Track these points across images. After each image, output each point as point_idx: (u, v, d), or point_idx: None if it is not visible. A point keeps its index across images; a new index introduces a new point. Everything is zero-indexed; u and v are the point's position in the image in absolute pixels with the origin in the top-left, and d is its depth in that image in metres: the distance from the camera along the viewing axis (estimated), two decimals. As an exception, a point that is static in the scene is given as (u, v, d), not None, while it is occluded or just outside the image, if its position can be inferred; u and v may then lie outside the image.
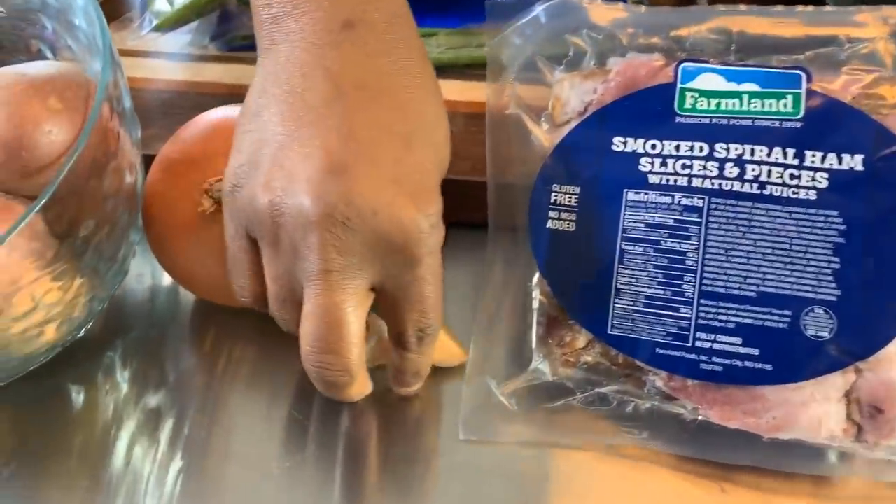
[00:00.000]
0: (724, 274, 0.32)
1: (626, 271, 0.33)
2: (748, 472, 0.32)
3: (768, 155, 0.32)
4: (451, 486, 0.33)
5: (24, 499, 0.33)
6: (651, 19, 0.35)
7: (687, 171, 0.33)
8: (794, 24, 0.34)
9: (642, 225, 0.33)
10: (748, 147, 0.33)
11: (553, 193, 0.34)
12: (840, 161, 0.32)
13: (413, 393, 0.35)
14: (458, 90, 0.45)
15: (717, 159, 0.33)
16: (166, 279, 0.41)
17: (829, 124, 0.32)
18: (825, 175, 0.32)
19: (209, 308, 0.39)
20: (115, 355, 0.38)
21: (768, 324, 0.31)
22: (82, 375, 0.37)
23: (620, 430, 0.33)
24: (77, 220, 0.31)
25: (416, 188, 0.29)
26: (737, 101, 0.33)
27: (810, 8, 0.34)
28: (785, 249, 0.32)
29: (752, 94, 0.33)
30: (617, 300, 0.33)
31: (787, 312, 0.31)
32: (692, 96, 0.34)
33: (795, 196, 0.32)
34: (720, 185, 0.33)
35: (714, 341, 0.32)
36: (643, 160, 0.34)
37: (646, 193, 0.33)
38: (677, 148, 0.33)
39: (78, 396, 0.36)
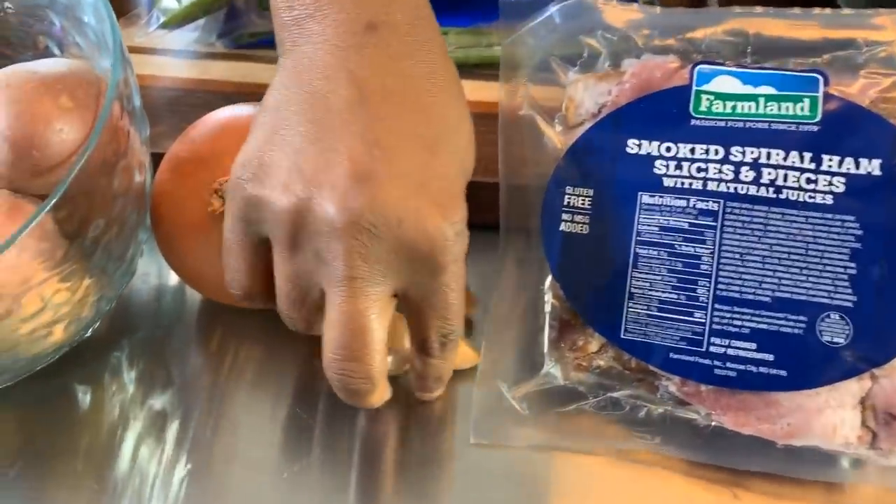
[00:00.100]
0: (739, 278, 0.32)
1: (640, 275, 0.33)
2: (760, 478, 0.32)
3: (784, 159, 0.32)
4: (462, 490, 0.32)
5: (29, 499, 0.33)
6: (666, 21, 0.35)
7: (702, 174, 0.33)
8: (812, 26, 0.33)
9: (657, 228, 0.33)
10: (764, 151, 0.32)
11: (566, 195, 0.34)
12: (857, 165, 0.31)
13: (434, 398, 0.34)
14: (467, 90, 0.44)
15: (732, 163, 0.33)
16: (172, 279, 0.41)
17: (846, 128, 0.32)
18: (842, 179, 0.31)
19: (215, 308, 0.39)
20: (121, 355, 0.38)
21: (783, 329, 0.31)
22: (88, 375, 0.37)
23: (632, 435, 0.33)
24: (87, 219, 0.30)
25: (441, 195, 0.29)
26: (753, 104, 0.33)
27: (828, 10, 0.34)
28: (801, 254, 0.31)
29: (769, 98, 0.33)
30: (630, 304, 0.33)
31: (802, 318, 0.31)
32: (708, 99, 0.33)
33: (812, 200, 0.32)
34: (736, 188, 0.32)
35: (728, 346, 0.32)
36: (658, 163, 0.33)
37: (660, 197, 0.33)
38: (692, 151, 0.33)
39: (84, 396, 0.36)
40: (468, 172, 0.31)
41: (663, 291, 0.32)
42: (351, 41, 0.29)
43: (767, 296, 0.32)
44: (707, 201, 0.33)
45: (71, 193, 0.28)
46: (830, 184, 0.32)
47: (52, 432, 0.35)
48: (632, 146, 0.34)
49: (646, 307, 0.33)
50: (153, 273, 0.41)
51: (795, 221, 0.32)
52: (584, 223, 0.34)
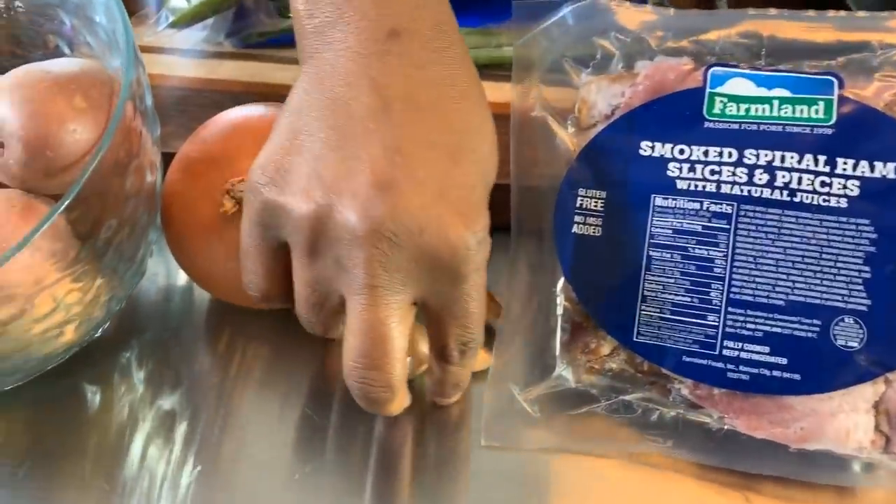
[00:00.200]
0: (753, 282, 0.32)
1: (653, 278, 0.33)
2: (772, 482, 0.32)
3: (799, 162, 0.32)
4: (473, 492, 0.32)
5: (38, 499, 0.33)
6: (680, 23, 0.35)
7: (716, 176, 0.33)
8: (826, 28, 0.33)
9: (670, 231, 0.33)
10: (778, 153, 0.32)
11: (579, 197, 0.34)
12: (872, 169, 0.31)
13: (451, 403, 0.34)
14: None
15: (746, 165, 0.32)
16: (181, 279, 0.41)
17: (861, 131, 0.32)
18: (857, 183, 0.31)
19: (224, 308, 0.39)
20: (130, 355, 0.38)
21: (797, 333, 0.31)
22: (98, 375, 0.37)
23: (644, 438, 0.33)
24: (100, 220, 0.30)
25: (463, 204, 0.29)
26: (767, 106, 0.33)
27: (842, 13, 0.33)
28: (815, 258, 0.31)
29: (783, 100, 0.33)
30: (643, 307, 0.33)
31: (816, 322, 0.31)
32: (721, 101, 0.33)
33: (826, 204, 0.31)
34: (749, 191, 0.32)
35: (741, 350, 0.32)
36: (671, 165, 0.33)
37: (674, 199, 0.33)
38: (706, 153, 0.33)
39: (93, 396, 0.36)
40: (490, 180, 0.31)
41: (676, 294, 0.32)
42: (373, 48, 0.29)
43: (781, 299, 0.31)
44: (721, 204, 0.32)
45: (84, 194, 0.28)
46: (845, 187, 0.31)
47: (62, 432, 0.35)
48: (645, 148, 0.34)
49: (659, 310, 0.33)
50: (161, 273, 0.41)
51: (809, 224, 0.31)
52: (596, 225, 0.34)
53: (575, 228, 0.34)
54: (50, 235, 0.29)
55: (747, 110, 0.33)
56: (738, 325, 0.32)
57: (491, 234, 0.30)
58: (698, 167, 0.33)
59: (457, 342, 0.31)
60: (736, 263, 0.32)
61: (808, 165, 0.32)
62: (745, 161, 0.33)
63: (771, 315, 0.31)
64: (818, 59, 0.33)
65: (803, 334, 0.31)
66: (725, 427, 0.32)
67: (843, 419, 0.31)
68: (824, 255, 0.31)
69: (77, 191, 0.27)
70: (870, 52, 0.33)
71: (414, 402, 0.34)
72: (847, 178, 0.31)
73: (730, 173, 0.33)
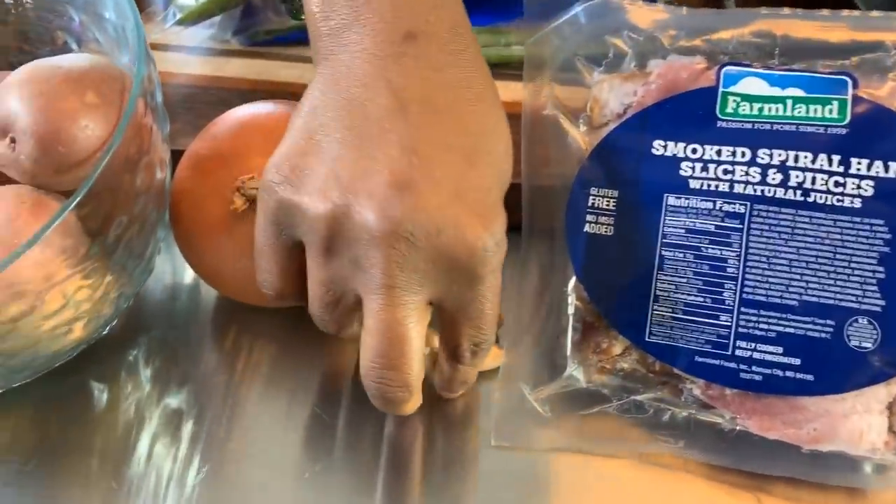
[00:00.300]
0: (766, 282, 0.32)
1: (666, 277, 0.33)
2: (783, 483, 0.32)
3: (812, 162, 0.32)
4: (483, 492, 0.32)
5: (44, 497, 0.33)
6: (693, 21, 0.35)
7: (729, 176, 0.33)
8: (840, 28, 0.33)
9: (682, 231, 0.33)
10: (792, 153, 0.32)
11: (591, 196, 0.34)
12: (886, 169, 0.31)
13: (457, 396, 0.34)
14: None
15: (759, 165, 0.32)
16: (187, 277, 0.40)
17: (875, 131, 0.32)
18: (871, 183, 0.31)
19: (230, 306, 0.38)
20: (136, 353, 0.37)
21: (811, 333, 0.31)
22: (104, 373, 0.37)
23: (656, 439, 0.33)
24: (110, 216, 0.30)
25: (480, 205, 0.29)
26: (780, 106, 0.33)
27: (856, 12, 0.33)
28: (829, 258, 0.31)
29: (797, 100, 0.33)
30: (655, 307, 0.33)
31: (830, 322, 0.31)
32: (734, 100, 0.33)
33: (840, 204, 0.31)
34: (763, 191, 0.32)
35: (754, 350, 0.32)
36: (684, 164, 0.33)
37: (686, 198, 0.33)
38: (719, 153, 0.33)
39: (100, 394, 0.36)
40: (506, 182, 0.31)
41: (689, 294, 0.32)
42: (389, 50, 0.29)
43: (794, 299, 0.31)
44: (734, 203, 0.32)
45: (95, 190, 0.28)
46: (859, 187, 0.31)
47: (69, 430, 0.35)
48: (657, 147, 0.34)
49: (671, 310, 0.32)
50: (168, 271, 0.41)
51: (823, 225, 0.31)
52: (608, 224, 0.34)
53: (587, 228, 0.34)
54: (61, 232, 0.29)
55: (760, 110, 0.33)
56: (751, 325, 0.32)
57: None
58: (711, 166, 0.33)
59: (469, 342, 0.31)
60: (749, 263, 0.32)
61: (821, 165, 0.32)
62: (759, 161, 0.32)
63: (784, 315, 0.31)
64: (832, 59, 0.33)
65: (817, 335, 0.31)
66: (737, 428, 0.32)
67: (856, 420, 0.30)
68: (838, 256, 0.31)
69: (89, 187, 0.27)
70: (884, 52, 0.33)
71: (426, 400, 0.34)
72: (861, 178, 0.31)
73: (743, 173, 0.32)
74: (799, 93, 0.33)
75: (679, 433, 0.33)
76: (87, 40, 0.37)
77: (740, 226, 0.32)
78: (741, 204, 0.32)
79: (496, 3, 0.46)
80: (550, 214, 0.35)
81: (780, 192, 0.32)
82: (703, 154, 0.33)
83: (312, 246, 0.29)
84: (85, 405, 0.35)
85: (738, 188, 0.32)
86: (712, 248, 0.32)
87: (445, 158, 0.29)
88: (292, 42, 0.48)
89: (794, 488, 0.32)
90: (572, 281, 0.34)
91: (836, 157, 0.32)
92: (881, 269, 0.31)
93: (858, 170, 0.31)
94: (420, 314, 0.29)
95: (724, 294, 0.32)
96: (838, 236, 0.31)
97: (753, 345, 0.32)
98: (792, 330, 0.31)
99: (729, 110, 0.33)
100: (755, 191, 0.32)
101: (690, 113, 0.33)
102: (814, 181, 0.32)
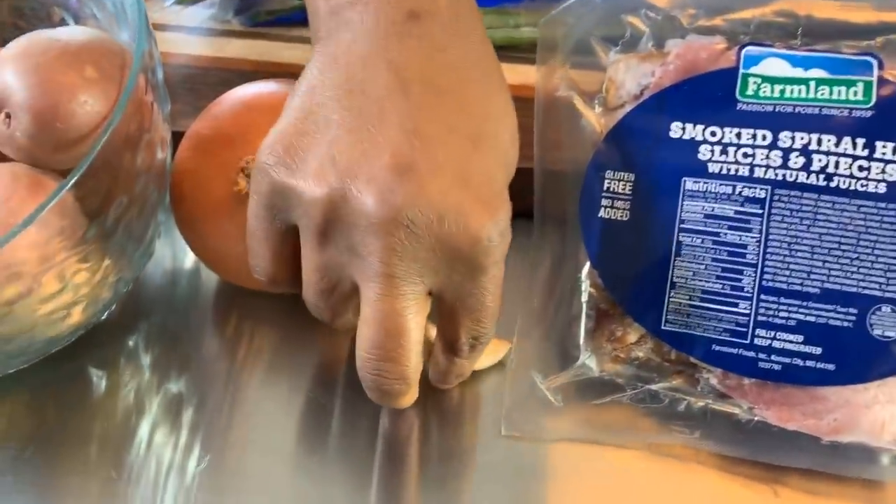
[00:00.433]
0: (787, 269, 0.31)
1: (683, 264, 0.32)
2: (799, 474, 0.31)
3: (836, 145, 0.31)
4: (487, 482, 0.32)
5: (42, 485, 0.32)
6: (713, 0, 0.34)
7: (749, 160, 0.32)
8: (865, 8, 0.32)
9: (701, 216, 0.32)
10: (815, 136, 0.31)
11: (606, 180, 0.33)
12: (913, 153, 0.31)
13: (451, 388, 0.34)
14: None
15: (781, 149, 0.32)
16: (188, 262, 0.40)
17: (901, 114, 0.31)
18: (896, 167, 0.31)
19: (231, 292, 0.38)
20: (135, 339, 0.37)
21: (832, 322, 0.30)
22: (103, 360, 0.36)
23: (670, 429, 0.32)
24: (109, 197, 0.29)
25: (485, 191, 0.28)
26: (803, 87, 0.32)
27: (882, -8, 0.33)
28: (852, 244, 0.30)
29: (820, 81, 0.32)
30: (672, 294, 0.32)
31: (852, 310, 0.30)
32: (755, 82, 0.32)
33: (864, 189, 0.31)
34: (784, 175, 0.31)
35: (774, 339, 0.31)
36: (702, 148, 0.32)
37: (705, 183, 0.32)
38: (739, 136, 0.32)
39: (98, 381, 0.35)
40: (512, 169, 0.30)
41: (707, 281, 0.32)
42: (391, 30, 0.28)
43: (816, 287, 0.31)
44: (754, 188, 0.32)
45: (94, 168, 0.27)
46: (884, 171, 0.31)
47: (66, 417, 0.34)
48: (675, 130, 0.33)
49: (688, 297, 0.32)
50: (168, 256, 0.40)
51: (846, 210, 0.31)
52: (624, 209, 0.33)
53: (602, 212, 0.33)
54: (58, 212, 0.28)
55: (782, 91, 0.32)
56: (771, 313, 0.31)
57: (511, 221, 0.29)
58: (731, 150, 0.32)
59: (468, 336, 0.30)
60: (769, 250, 0.31)
61: (845, 149, 0.31)
62: (780, 144, 0.32)
63: (805, 303, 0.31)
64: (856, 40, 0.32)
65: (839, 323, 0.30)
66: (755, 418, 0.31)
67: (878, 411, 0.30)
68: (861, 242, 0.30)
69: (88, 164, 0.26)
70: (910, 33, 0.32)
71: (430, 390, 0.33)
72: (886, 162, 0.31)
73: (764, 157, 0.32)
74: (822, 74, 0.32)
75: (695, 424, 0.32)
76: (84, 17, 0.36)
77: (760, 211, 0.31)
78: (762, 188, 0.31)
79: (504, -17, 0.45)
80: (563, 200, 0.34)
81: (802, 177, 0.31)
82: (723, 137, 0.32)
83: (307, 231, 0.28)
84: (83, 392, 0.35)
85: (759, 172, 0.32)
86: (731, 234, 0.32)
87: (448, 141, 0.28)
88: (295, 23, 0.47)
89: (810, 480, 0.31)
90: (586, 267, 0.33)
91: (860, 141, 0.31)
92: (906, 256, 0.30)
93: (883, 154, 0.31)
94: (419, 305, 0.28)
95: (743, 281, 0.31)
96: (862, 222, 0.30)
97: (773, 333, 0.31)
98: (813, 318, 0.31)
99: (749, 92, 0.32)
100: (776, 175, 0.31)
101: (710, 94, 0.33)
102: (837, 165, 0.31)
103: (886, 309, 0.30)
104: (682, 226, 0.32)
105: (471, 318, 0.29)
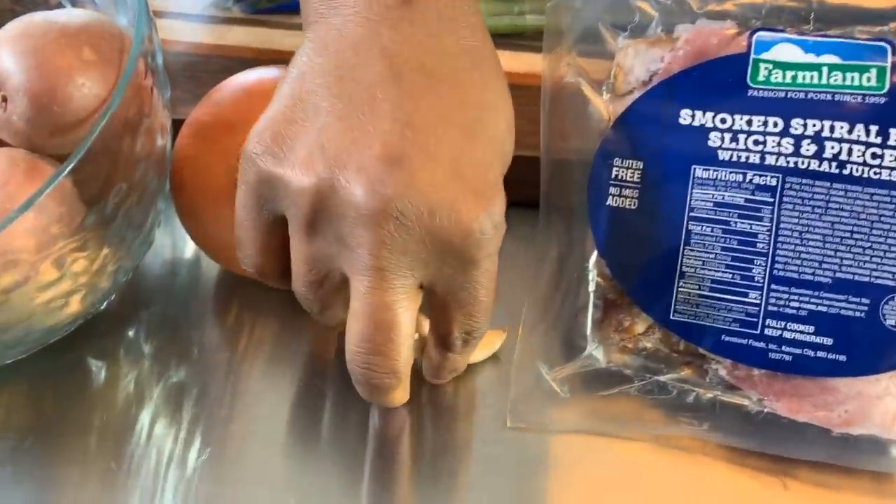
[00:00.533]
0: (798, 258, 0.30)
1: (692, 253, 0.31)
2: (807, 467, 0.31)
3: (849, 132, 0.31)
4: (492, 473, 0.31)
5: (41, 476, 0.32)
6: (724, -16, 0.33)
7: (760, 147, 0.31)
8: (878, -7, 0.32)
9: (711, 204, 0.31)
10: (827, 123, 0.31)
11: (614, 168, 0.33)
12: (927, 140, 0.30)
13: (444, 383, 0.33)
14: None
15: (792, 136, 0.31)
16: (188, 252, 0.39)
17: (916, 101, 0.30)
18: (910, 155, 0.30)
19: (232, 281, 0.37)
20: (135, 330, 0.36)
21: (844, 312, 0.30)
22: (102, 350, 0.36)
23: (678, 421, 0.32)
24: (108, 183, 0.29)
25: (479, 183, 0.27)
26: (815, 73, 0.31)
27: (895, -23, 0.32)
28: (864, 233, 0.30)
29: (833, 67, 0.31)
30: (681, 283, 0.31)
31: (865, 300, 0.30)
32: (766, 68, 0.32)
33: (877, 177, 0.30)
34: (796, 163, 0.31)
35: (784, 329, 0.30)
36: (712, 135, 0.32)
37: (715, 170, 0.31)
38: (749, 123, 0.32)
39: (98, 371, 0.35)
40: (507, 162, 0.29)
41: (716, 270, 0.31)
42: (385, 14, 0.27)
43: (828, 276, 0.30)
44: (765, 176, 0.31)
45: (93, 153, 0.27)
46: (897, 159, 0.30)
47: (65, 408, 0.34)
48: (685, 117, 0.32)
49: (697, 287, 0.31)
50: (168, 245, 0.40)
51: (859, 198, 0.30)
52: (632, 197, 0.32)
53: (609, 201, 0.33)
54: (56, 198, 0.27)
55: (794, 77, 0.32)
56: (782, 303, 0.30)
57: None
58: (741, 137, 0.31)
59: (460, 330, 0.29)
60: (780, 238, 0.31)
61: (858, 136, 0.30)
62: (792, 131, 0.31)
63: (816, 293, 0.30)
64: (870, 25, 0.32)
65: (850, 314, 0.30)
66: (765, 410, 0.31)
67: (889, 402, 0.29)
68: (874, 231, 0.30)
69: (87, 148, 0.26)
70: (924, 18, 0.31)
71: (429, 382, 0.33)
72: (900, 149, 0.30)
73: (775, 144, 0.31)
74: (835, 60, 0.31)
75: (703, 415, 0.31)
76: (82, 2, 0.36)
77: (771, 199, 0.31)
78: (773, 176, 0.31)
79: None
80: (570, 189, 0.34)
81: (814, 164, 0.31)
82: (733, 124, 0.32)
83: (295, 221, 0.28)
84: (82, 383, 0.34)
85: (770, 160, 0.31)
86: (742, 223, 0.31)
87: (441, 131, 0.27)
88: (295, 10, 0.47)
89: (820, 473, 0.31)
90: (593, 257, 0.33)
91: (873, 128, 0.30)
92: (920, 245, 0.30)
93: (897, 141, 0.30)
94: (410, 298, 0.28)
95: (754, 270, 0.31)
96: (875, 211, 0.30)
97: (783, 323, 0.30)
98: (824, 308, 0.30)
99: (760, 78, 0.32)
100: (788, 162, 0.31)
101: (720, 81, 0.32)
102: (850, 153, 0.30)
103: (900, 299, 0.30)
104: (691, 214, 0.32)
105: (463, 312, 0.29)
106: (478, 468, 0.32)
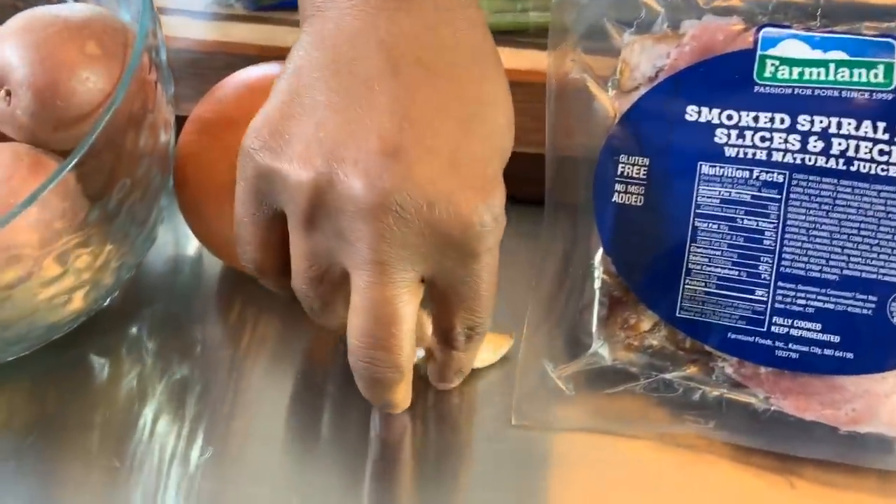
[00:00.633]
0: (805, 255, 0.30)
1: (699, 250, 0.31)
2: (813, 465, 0.31)
3: (856, 129, 0.30)
4: (495, 471, 0.31)
5: (43, 473, 0.32)
6: (730, -20, 0.33)
7: (766, 144, 0.31)
8: (886, -11, 0.32)
9: (717, 200, 0.31)
10: (834, 120, 0.31)
11: (620, 165, 0.33)
12: (934, 137, 0.30)
13: (451, 388, 0.33)
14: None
15: (799, 132, 0.31)
16: (190, 249, 0.39)
17: (923, 97, 0.30)
18: (918, 152, 0.30)
19: (235, 279, 0.37)
20: (138, 327, 0.36)
21: (851, 309, 0.30)
22: (105, 347, 0.35)
23: (683, 419, 0.32)
24: (112, 178, 0.29)
25: (477, 177, 0.27)
26: (822, 70, 0.31)
27: (903, -28, 0.32)
28: (872, 230, 0.30)
29: (840, 63, 0.31)
30: (687, 281, 0.31)
31: (872, 298, 0.30)
32: (773, 64, 0.32)
33: (885, 173, 0.30)
34: (803, 159, 0.31)
35: (791, 327, 0.30)
36: (719, 131, 0.32)
37: (721, 167, 0.31)
38: (756, 119, 0.31)
39: (101, 369, 0.35)
40: (506, 156, 0.29)
41: (723, 267, 0.31)
42: (382, 6, 0.27)
43: (835, 274, 0.30)
44: (771, 173, 0.31)
45: (97, 148, 0.26)
46: (905, 156, 0.30)
47: (68, 405, 0.34)
48: (691, 113, 0.32)
49: (703, 284, 0.31)
50: (171, 242, 0.39)
51: (867, 195, 0.30)
52: (638, 194, 0.32)
53: (615, 197, 0.32)
54: (59, 192, 0.27)
55: (801, 74, 0.31)
56: (789, 300, 0.30)
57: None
58: (748, 134, 0.31)
59: (463, 326, 0.29)
60: (787, 235, 0.30)
61: (865, 132, 0.30)
62: (799, 128, 0.31)
63: (823, 290, 0.30)
64: (877, 21, 0.32)
65: (858, 311, 0.30)
66: (771, 408, 0.31)
67: (897, 401, 0.29)
68: (882, 228, 0.30)
69: (90, 143, 0.25)
70: (932, 14, 0.31)
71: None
72: (908, 146, 0.30)
73: (782, 140, 0.31)
74: (842, 56, 0.31)
75: (709, 413, 0.31)
76: (85, -3, 0.36)
77: (778, 196, 0.31)
78: (779, 173, 0.31)
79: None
80: (575, 185, 0.34)
81: (821, 161, 0.31)
82: (740, 120, 0.32)
83: (294, 216, 0.28)
84: (85, 379, 0.34)
85: (777, 156, 0.31)
86: (748, 220, 0.31)
87: (439, 124, 0.27)
88: (298, 6, 0.47)
89: (826, 471, 0.31)
90: (599, 254, 0.33)
91: (881, 124, 0.30)
92: (928, 242, 0.29)
93: (905, 137, 0.30)
94: (411, 292, 0.27)
95: (760, 268, 0.31)
96: (882, 207, 0.30)
97: (790, 321, 0.30)
98: (831, 306, 0.30)
99: (767, 74, 0.32)
100: (794, 159, 0.31)
101: (726, 77, 0.32)
102: (857, 149, 0.30)
103: (907, 296, 0.30)
104: (697, 211, 0.31)
105: (464, 306, 0.29)
106: (482, 466, 0.32)
